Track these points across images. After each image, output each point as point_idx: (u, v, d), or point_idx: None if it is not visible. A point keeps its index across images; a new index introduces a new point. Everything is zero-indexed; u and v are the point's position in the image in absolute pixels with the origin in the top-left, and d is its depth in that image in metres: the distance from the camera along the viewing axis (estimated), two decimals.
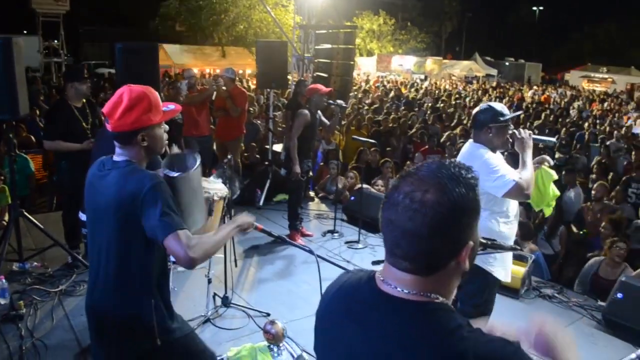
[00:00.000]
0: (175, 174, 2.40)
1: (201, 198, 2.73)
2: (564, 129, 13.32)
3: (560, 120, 15.33)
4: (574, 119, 16.12)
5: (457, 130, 11.14)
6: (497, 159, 3.24)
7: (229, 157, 5.04)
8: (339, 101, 6.17)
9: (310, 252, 2.61)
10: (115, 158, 2.19)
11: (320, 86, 6.03)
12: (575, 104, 20.37)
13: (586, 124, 14.93)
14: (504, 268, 3.40)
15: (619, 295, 4.56)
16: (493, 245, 1.46)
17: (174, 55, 24.29)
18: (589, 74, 39.31)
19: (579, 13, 48.00)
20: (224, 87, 7.35)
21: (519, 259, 5.33)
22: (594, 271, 5.45)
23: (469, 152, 3.37)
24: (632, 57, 41.55)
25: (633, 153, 10.26)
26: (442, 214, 1.07)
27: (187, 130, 7.06)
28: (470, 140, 3.43)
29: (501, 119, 3.28)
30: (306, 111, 5.80)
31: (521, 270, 5.17)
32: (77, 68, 8.24)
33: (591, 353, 4.11)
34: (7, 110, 4.62)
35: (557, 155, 10.14)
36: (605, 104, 22.00)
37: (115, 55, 5.62)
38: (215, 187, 4.12)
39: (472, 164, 3.06)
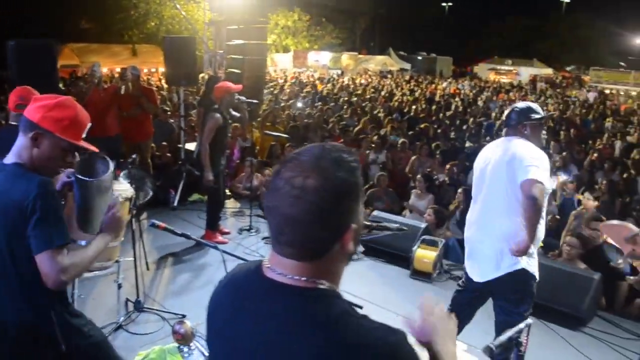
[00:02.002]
0: (88, 179, 2.31)
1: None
2: (472, 119, 13.92)
3: (469, 110, 16.00)
4: (482, 109, 16.87)
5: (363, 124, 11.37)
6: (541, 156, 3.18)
7: (134, 156, 4.86)
8: (243, 98, 6.00)
9: (215, 247, 2.56)
10: (5, 160, 2.06)
11: (229, 84, 5.86)
12: (483, 95, 21.33)
13: (493, 114, 15.68)
14: (536, 263, 3.32)
15: None
16: (378, 227, 1.48)
17: (80, 55, 23.17)
18: (496, 66, 41.43)
19: (486, 8, 50.45)
20: (127, 78, 7.11)
21: (430, 244, 5.53)
22: None
23: (520, 144, 3.26)
24: (535, 50, 44.22)
25: None
26: (323, 198, 1.06)
27: (93, 131, 6.73)
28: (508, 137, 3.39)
29: (536, 116, 3.33)
30: (217, 114, 5.63)
31: (432, 254, 5.36)
32: None
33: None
34: None
35: (467, 144, 10.61)
36: (511, 94, 23.20)
37: (7, 52, 5.30)
38: (120, 187, 3.98)
39: (528, 153, 3.06)
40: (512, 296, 3.22)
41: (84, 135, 2.15)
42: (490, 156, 3.40)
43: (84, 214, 2.39)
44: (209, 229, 6.02)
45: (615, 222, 1.64)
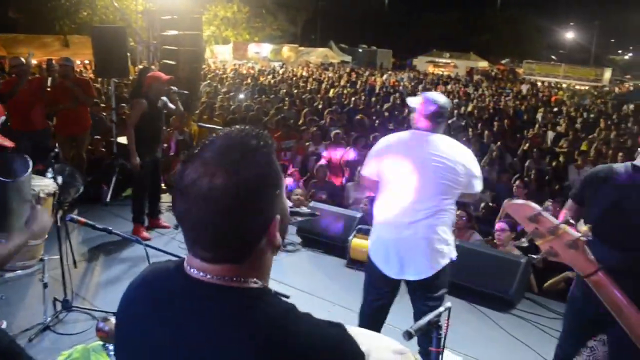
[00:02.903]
0: (6, 180, 2.18)
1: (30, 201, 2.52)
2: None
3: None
4: None
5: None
6: None
7: (56, 150, 4.67)
8: (175, 88, 5.88)
9: (138, 242, 2.50)
10: None
11: (160, 74, 5.81)
12: (419, 88, 21.78)
13: None
14: None
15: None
16: (291, 213, 1.47)
17: (8, 45, 22.02)
18: (434, 59, 42.44)
19: (425, 2, 51.52)
20: (54, 69, 6.85)
21: (366, 233, 5.58)
22: None
23: (455, 143, 3.22)
24: (472, 44, 45.53)
25: (470, 130, 11.27)
26: (236, 197, 0.96)
27: (16, 124, 6.45)
28: (437, 134, 3.22)
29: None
30: (143, 100, 5.56)
31: (367, 243, 5.41)
32: None
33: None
34: None
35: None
36: (449, 86, 23.80)
37: None
38: (42, 183, 3.82)
39: (466, 154, 3.09)
40: (437, 288, 3.25)
41: None
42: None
43: (3, 215, 2.28)
44: (134, 222, 5.87)
45: (519, 201, 1.68)
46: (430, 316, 1.98)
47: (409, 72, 34.12)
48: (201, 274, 1.02)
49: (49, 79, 6.84)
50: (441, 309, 2.02)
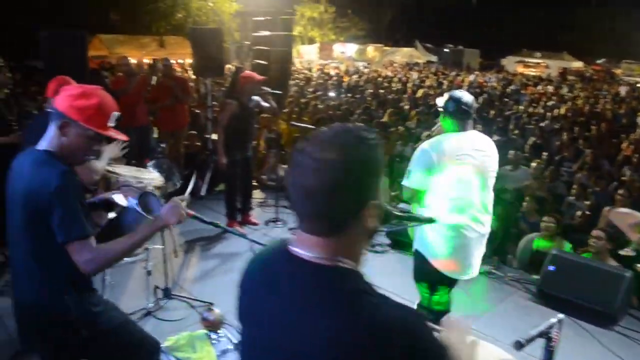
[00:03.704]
0: (144, 214, 2.46)
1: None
2: (499, 112, 13.73)
3: (496, 104, 15.78)
4: (512, 104, 16.61)
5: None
6: None
7: (163, 146, 4.92)
8: (268, 89, 6.07)
9: (244, 236, 2.59)
10: (37, 146, 2.11)
11: (253, 74, 5.95)
12: (509, 89, 21.02)
13: (522, 107, 15.43)
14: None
15: (551, 267, 4.75)
16: (409, 218, 1.46)
17: (110, 46, 23.47)
18: (524, 59, 40.75)
19: (513, 0, 49.60)
20: (158, 69, 7.26)
21: None
22: (531, 247, 5.65)
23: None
24: (564, 43, 43.36)
25: (565, 133, 10.73)
26: (343, 170, 1.10)
27: (124, 121, 6.85)
28: (474, 132, 3.33)
29: None
30: (233, 101, 5.73)
31: None
32: None
33: (524, 323, 4.27)
34: None
35: (494, 137, 10.46)
36: (539, 87, 22.81)
37: (40, 43, 5.40)
38: (150, 176, 4.04)
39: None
40: None
41: (112, 124, 2.17)
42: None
43: (115, 232, 2.44)
44: (228, 218, 6.09)
45: (623, 209, 1.62)
46: (541, 327, 1.92)
47: (497, 72, 33.01)
48: (301, 249, 1.17)
49: (153, 78, 7.22)
50: (553, 320, 1.95)
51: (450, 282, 3.30)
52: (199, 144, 8.31)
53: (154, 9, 25.75)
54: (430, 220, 2.21)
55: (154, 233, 2.25)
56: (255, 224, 6.38)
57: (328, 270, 1.14)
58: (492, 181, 3.29)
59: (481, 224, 3.25)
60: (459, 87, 20.52)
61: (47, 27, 6.27)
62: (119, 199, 2.56)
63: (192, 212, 2.38)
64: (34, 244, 2.05)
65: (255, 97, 5.86)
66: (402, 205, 6.26)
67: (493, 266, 5.45)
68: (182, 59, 22.32)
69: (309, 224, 1.16)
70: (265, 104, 6.01)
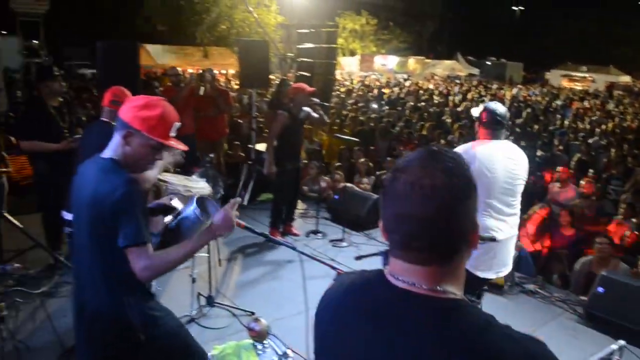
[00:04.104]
0: (202, 219, 2.47)
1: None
2: (544, 127, 13.46)
3: (541, 118, 15.48)
4: (557, 119, 16.26)
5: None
6: None
7: (211, 155, 5.01)
8: (317, 100, 6.12)
9: (293, 248, 2.60)
10: (102, 154, 2.18)
11: (304, 86, 6.04)
12: (554, 104, 20.59)
13: (567, 122, 15.09)
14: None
15: (600, 289, 4.62)
16: (489, 239, 1.44)
17: (156, 56, 24.08)
18: (569, 72, 39.79)
19: (559, 12, 48.58)
20: (206, 80, 7.40)
21: None
22: (587, 269, 5.47)
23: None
24: (611, 56, 42.16)
25: (613, 150, 10.42)
26: (454, 196, 1.06)
27: None
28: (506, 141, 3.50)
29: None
30: (285, 112, 5.80)
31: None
32: (47, 67, 8.14)
33: (572, 346, 4.15)
34: None
35: (538, 153, 10.26)
36: (585, 102, 22.27)
37: (97, 52, 5.58)
38: (199, 186, 4.12)
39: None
40: None
41: (173, 134, 2.23)
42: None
43: (171, 239, 2.48)
44: (271, 227, 6.13)
45: None
46: (601, 354, 1.88)
47: (541, 86, 32.38)
48: (407, 282, 1.09)
49: (201, 88, 7.35)
50: (614, 346, 1.90)
51: (479, 284, 3.39)
52: (242, 154, 8.42)
53: (199, 20, 26.31)
54: (492, 239, 2.20)
55: (207, 242, 2.29)
56: (296, 234, 6.41)
57: (443, 303, 1.08)
58: (520, 187, 3.43)
59: (509, 225, 3.38)
60: (501, 100, 20.21)
61: (99, 38, 6.49)
62: (177, 203, 2.61)
63: (243, 223, 2.41)
64: (98, 248, 2.12)
65: (306, 108, 5.93)
66: None
67: (537, 285, 5.33)
68: (224, 69, 22.72)
69: (419, 255, 1.08)
70: (315, 115, 6.07)
